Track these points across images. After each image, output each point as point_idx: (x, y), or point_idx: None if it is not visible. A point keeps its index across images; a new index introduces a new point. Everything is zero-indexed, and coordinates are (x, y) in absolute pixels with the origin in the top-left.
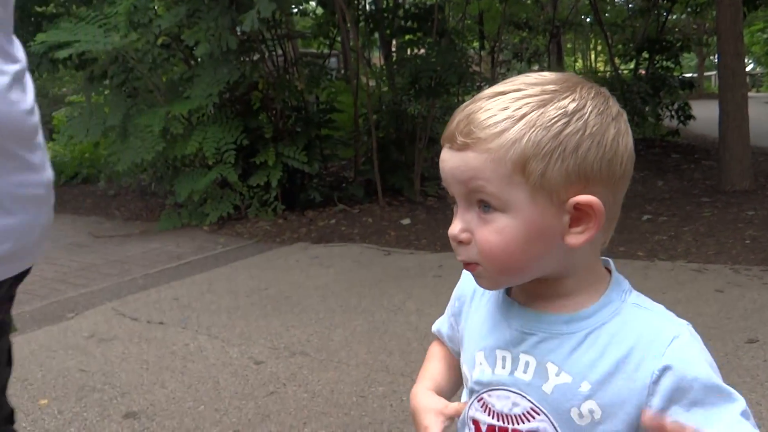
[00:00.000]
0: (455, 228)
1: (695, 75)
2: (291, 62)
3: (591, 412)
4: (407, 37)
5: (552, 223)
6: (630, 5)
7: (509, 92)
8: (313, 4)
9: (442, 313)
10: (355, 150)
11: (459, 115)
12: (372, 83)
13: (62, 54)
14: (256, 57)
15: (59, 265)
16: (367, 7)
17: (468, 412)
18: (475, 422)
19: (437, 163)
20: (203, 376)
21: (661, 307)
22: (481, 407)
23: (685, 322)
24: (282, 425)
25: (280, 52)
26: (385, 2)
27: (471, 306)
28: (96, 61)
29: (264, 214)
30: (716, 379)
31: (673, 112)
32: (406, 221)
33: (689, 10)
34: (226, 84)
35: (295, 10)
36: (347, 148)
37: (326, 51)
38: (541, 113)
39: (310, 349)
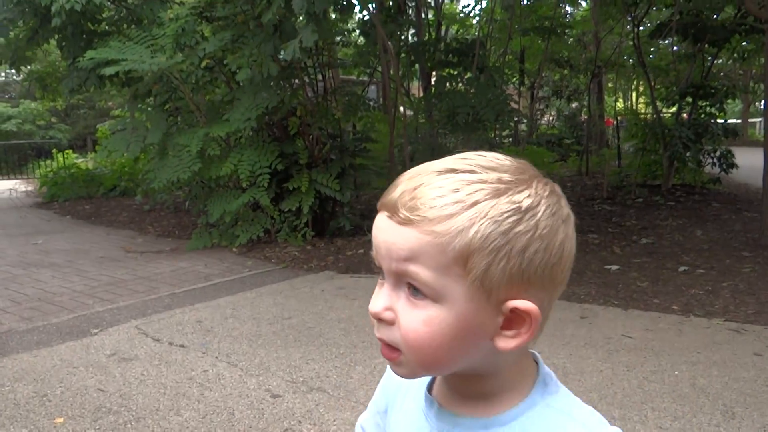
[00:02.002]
0: (377, 305)
1: (739, 121)
2: (330, 90)
3: None
4: (447, 71)
5: (484, 322)
6: (675, 48)
7: (462, 171)
8: (356, 33)
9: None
10: (387, 180)
11: (404, 185)
12: (409, 113)
13: (109, 71)
14: (296, 83)
15: (89, 278)
16: (409, 38)
17: None
18: None
19: None
20: (219, 406)
21: (585, 413)
22: None
23: (609, 429)
24: None
25: (320, 78)
26: (426, 35)
27: (396, 403)
28: (141, 80)
29: (293, 239)
30: None
31: (715, 159)
32: None
33: (735, 56)
34: (264, 109)
35: (338, 39)
36: (380, 178)
37: (366, 78)
38: (494, 204)
39: (328, 385)
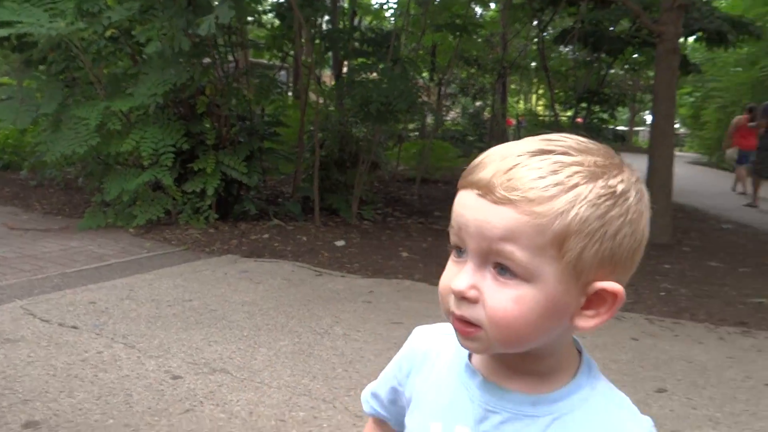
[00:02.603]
0: (462, 282)
1: (626, 129)
2: (242, 71)
3: None
4: (360, 60)
5: (569, 303)
6: (575, 54)
7: (558, 153)
8: (268, 16)
9: (368, 341)
10: (296, 166)
11: (495, 164)
12: (320, 101)
13: (1, 33)
14: (206, 61)
15: None
16: (323, 25)
17: None
18: None
19: (376, 187)
20: (115, 387)
21: (626, 401)
22: None
23: (648, 420)
24: None
25: (231, 59)
26: (341, 23)
27: (423, 368)
28: (35, 45)
29: (195, 221)
30: None
31: None
32: (340, 243)
33: (627, 66)
34: (172, 85)
35: (251, 20)
36: (288, 164)
37: (277, 63)
38: (592, 188)
39: (231, 367)
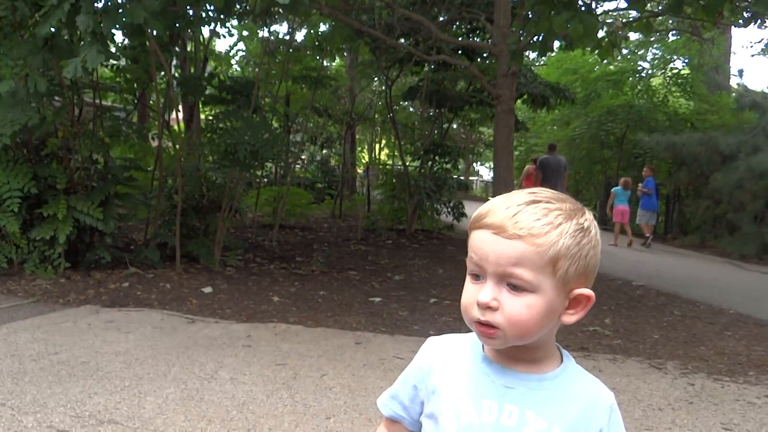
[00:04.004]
0: (487, 296)
1: (462, 178)
2: (97, 113)
3: None
4: (219, 107)
5: (559, 306)
6: (419, 110)
7: (542, 202)
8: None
9: (257, 383)
10: (155, 212)
11: (501, 213)
12: (170, 144)
13: None
14: (59, 103)
15: None
16: (172, 71)
17: None
18: None
19: (234, 234)
20: None
21: (596, 378)
22: None
23: (611, 392)
24: None
25: (83, 101)
26: (192, 69)
27: (442, 363)
28: None
29: (43, 271)
30: None
31: (449, 209)
32: (207, 289)
33: (465, 123)
34: (23, 126)
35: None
36: (143, 210)
37: (125, 106)
38: (569, 225)
39: (119, 417)
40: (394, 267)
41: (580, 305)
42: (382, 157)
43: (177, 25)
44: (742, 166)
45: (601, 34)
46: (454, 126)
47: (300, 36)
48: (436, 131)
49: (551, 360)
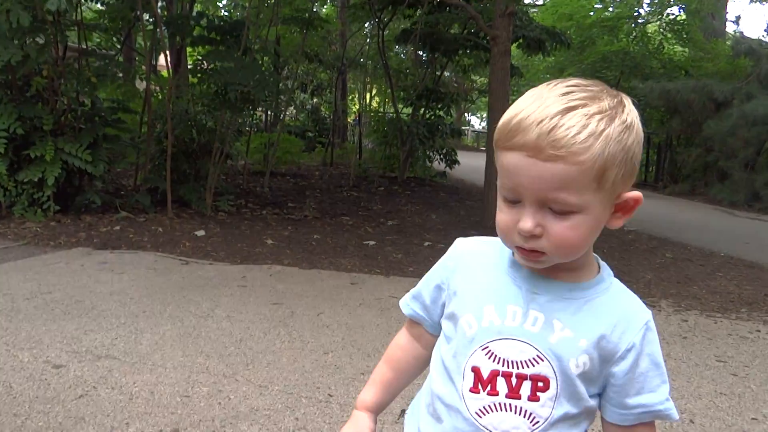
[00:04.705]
0: (529, 224)
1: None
2: (83, 52)
3: (584, 363)
4: (207, 48)
5: (607, 215)
6: (413, 54)
7: (578, 107)
8: None
9: (254, 321)
10: (145, 156)
11: (533, 128)
12: (158, 89)
13: None
14: (42, 40)
15: None
16: (158, 10)
17: (467, 361)
18: (476, 369)
19: (226, 180)
20: None
21: (635, 295)
22: (486, 355)
23: (649, 310)
24: (101, 427)
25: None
26: (179, 8)
27: (467, 268)
28: None
29: (32, 214)
30: (661, 359)
31: (442, 156)
32: (200, 233)
33: (458, 68)
34: (5, 63)
35: None
36: (132, 153)
37: (113, 48)
38: (613, 128)
39: (117, 352)
40: (387, 212)
41: (627, 208)
42: (374, 104)
43: None
44: (735, 113)
45: None
46: (447, 74)
47: None
48: (429, 77)
49: (587, 270)
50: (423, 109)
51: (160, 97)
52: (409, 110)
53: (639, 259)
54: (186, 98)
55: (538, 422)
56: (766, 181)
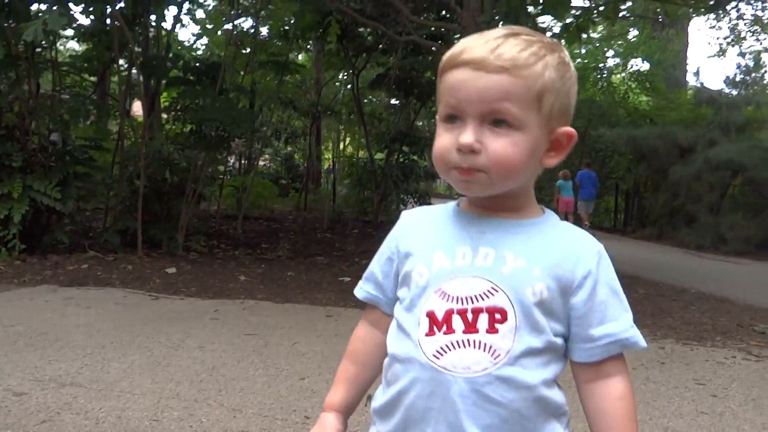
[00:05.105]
0: (468, 138)
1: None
2: (55, 89)
3: (541, 292)
4: (183, 89)
5: (542, 145)
6: (387, 101)
7: (521, 35)
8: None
9: (227, 350)
10: (116, 198)
11: (480, 47)
12: (131, 131)
13: None
14: (12, 76)
15: None
16: (134, 53)
17: (421, 309)
18: (430, 314)
19: (204, 224)
20: None
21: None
22: (439, 296)
23: (600, 244)
24: None
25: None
26: (155, 50)
27: (414, 230)
28: None
29: None
30: (620, 288)
31: (416, 200)
32: (171, 270)
33: (433, 114)
34: None
35: (71, 34)
36: (104, 191)
37: (86, 90)
38: (553, 58)
39: (82, 380)
40: (361, 252)
41: (561, 146)
42: (348, 151)
43: None
44: (699, 158)
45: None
46: (420, 124)
47: (265, 30)
48: (403, 121)
49: (530, 210)
50: (397, 153)
51: (132, 140)
52: (383, 154)
53: None
54: (160, 139)
55: (499, 355)
56: (731, 225)
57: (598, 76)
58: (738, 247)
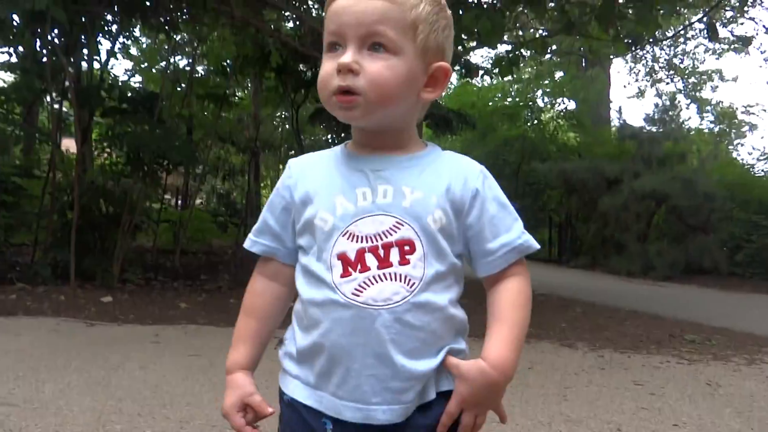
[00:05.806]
0: (348, 58)
1: None
2: None
3: (440, 219)
4: (118, 116)
5: (419, 77)
6: (327, 137)
7: None
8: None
9: (170, 369)
10: (46, 231)
11: None
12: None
13: None
14: None
15: None
16: (66, 83)
17: (331, 253)
18: (342, 256)
19: (139, 257)
20: None
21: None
22: (347, 239)
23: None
24: None
25: None
26: (86, 80)
27: (307, 176)
28: None
29: None
30: (506, 200)
31: None
32: (107, 299)
33: None
34: None
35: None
36: (34, 221)
37: (15, 121)
38: None
39: (15, 400)
40: None
41: (437, 82)
42: None
43: (80, 20)
44: (626, 189)
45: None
46: None
47: (201, 69)
48: None
49: (417, 144)
50: None
51: (63, 171)
52: None
53: (552, 314)
54: (94, 171)
55: (414, 283)
56: (658, 251)
57: (529, 114)
58: (665, 272)
